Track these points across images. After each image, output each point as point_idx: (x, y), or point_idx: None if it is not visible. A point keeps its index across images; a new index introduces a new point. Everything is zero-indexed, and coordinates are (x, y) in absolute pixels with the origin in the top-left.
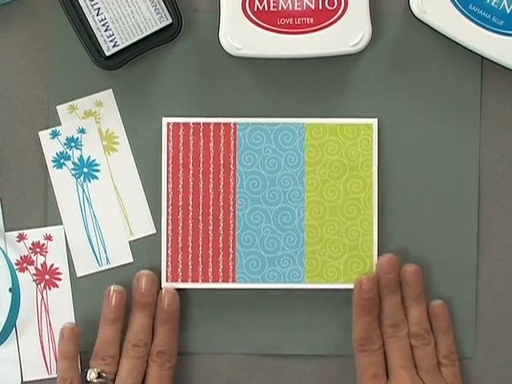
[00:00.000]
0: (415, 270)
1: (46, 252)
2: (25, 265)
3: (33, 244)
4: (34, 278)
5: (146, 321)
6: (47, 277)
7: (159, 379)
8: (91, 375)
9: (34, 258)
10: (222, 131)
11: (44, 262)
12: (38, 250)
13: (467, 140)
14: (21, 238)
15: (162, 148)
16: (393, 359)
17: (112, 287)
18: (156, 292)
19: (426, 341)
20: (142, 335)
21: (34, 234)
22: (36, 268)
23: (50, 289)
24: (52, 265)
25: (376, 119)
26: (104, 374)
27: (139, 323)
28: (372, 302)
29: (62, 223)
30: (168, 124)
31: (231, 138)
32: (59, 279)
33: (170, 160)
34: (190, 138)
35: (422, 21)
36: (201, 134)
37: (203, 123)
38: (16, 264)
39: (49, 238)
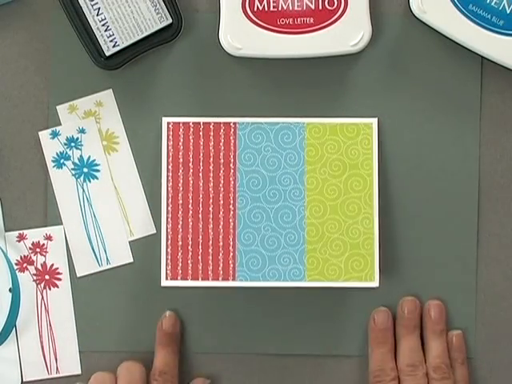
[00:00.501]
0: (440, 306)
1: (46, 252)
2: (25, 265)
3: (33, 244)
4: (34, 278)
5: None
6: (47, 277)
7: None
8: None
9: (33, 257)
10: (221, 131)
11: (44, 262)
12: (37, 249)
13: (467, 140)
14: (21, 237)
15: (161, 147)
16: None
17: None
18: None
19: (447, 375)
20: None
21: (34, 234)
22: (36, 268)
23: (49, 289)
24: (52, 265)
25: (376, 119)
26: None
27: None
28: (386, 334)
29: (62, 223)
30: (168, 124)
31: (231, 138)
32: (59, 279)
33: (170, 159)
34: (190, 137)
35: (422, 21)
36: (201, 133)
37: (203, 123)
38: (16, 264)
39: (49, 238)
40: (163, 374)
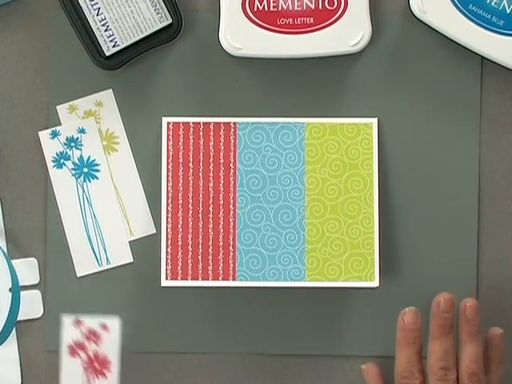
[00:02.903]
0: (476, 305)
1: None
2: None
3: (88, 331)
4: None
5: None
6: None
7: None
8: None
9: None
10: (222, 130)
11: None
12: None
13: (467, 140)
14: (78, 323)
15: (161, 147)
16: None
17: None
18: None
19: (482, 382)
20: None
21: (91, 321)
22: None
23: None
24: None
25: (376, 119)
26: None
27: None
28: (415, 335)
29: (62, 223)
30: (168, 123)
31: (231, 138)
32: (108, 369)
33: (170, 159)
34: (190, 137)
35: (422, 21)
36: (201, 133)
37: (203, 123)
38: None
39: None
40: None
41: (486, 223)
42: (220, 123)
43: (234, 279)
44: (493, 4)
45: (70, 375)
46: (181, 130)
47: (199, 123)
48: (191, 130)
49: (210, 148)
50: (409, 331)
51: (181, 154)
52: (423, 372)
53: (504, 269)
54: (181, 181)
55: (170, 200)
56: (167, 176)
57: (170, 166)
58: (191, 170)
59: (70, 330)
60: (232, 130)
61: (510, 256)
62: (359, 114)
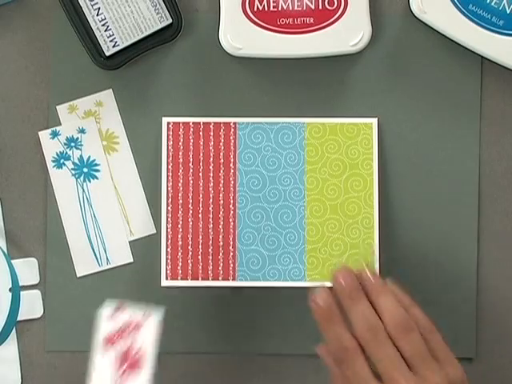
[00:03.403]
0: (371, 268)
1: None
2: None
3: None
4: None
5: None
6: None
7: None
8: None
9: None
10: (221, 130)
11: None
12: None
13: (467, 140)
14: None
15: (161, 147)
16: (382, 367)
17: None
18: None
19: (410, 326)
20: None
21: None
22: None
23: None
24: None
25: (376, 119)
26: None
27: None
28: (332, 310)
29: (61, 223)
30: (168, 124)
31: (231, 138)
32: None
33: (170, 159)
34: (190, 137)
35: (422, 21)
36: (201, 133)
37: (203, 123)
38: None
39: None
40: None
41: (486, 223)
42: (220, 123)
43: (234, 279)
44: (493, 4)
45: (103, 368)
46: (181, 129)
47: (199, 123)
48: (191, 129)
49: (210, 148)
50: (325, 310)
51: (181, 154)
52: (355, 340)
53: (504, 269)
54: (181, 181)
55: (170, 200)
56: (167, 176)
57: (169, 166)
58: (191, 170)
59: (106, 322)
60: (232, 130)
61: (510, 256)
62: (359, 114)
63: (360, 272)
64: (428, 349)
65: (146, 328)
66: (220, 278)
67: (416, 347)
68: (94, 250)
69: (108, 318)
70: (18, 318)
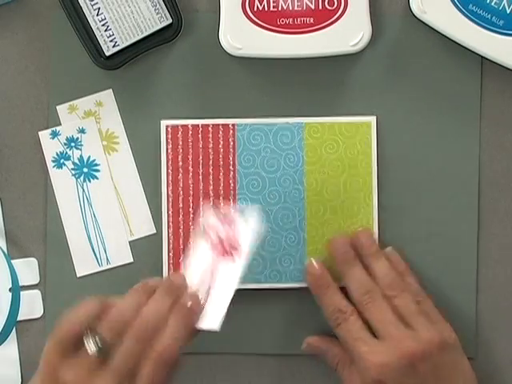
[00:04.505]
0: (367, 230)
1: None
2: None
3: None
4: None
5: None
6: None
7: None
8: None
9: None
10: (220, 132)
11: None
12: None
13: (467, 140)
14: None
15: (161, 151)
16: (378, 324)
17: None
18: None
19: (402, 286)
20: None
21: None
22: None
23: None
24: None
25: (374, 117)
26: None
27: None
28: (325, 277)
29: (61, 223)
30: (167, 127)
31: (230, 139)
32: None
33: (170, 163)
34: (189, 140)
35: (422, 21)
36: (199, 135)
37: (202, 125)
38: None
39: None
40: None
41: (486, 223)
42: (219, 125)
43: None
44: (493, 4)
45: (201, 253)
46: (179, 132)
47: (198, 125)
48: (190, 132)
49: (209, 150)
50: (318, 277)
51: (180, 157)
52: (351, 304)
53: (504, 269)
54: (181, 184)
55: (170, 204)
56: (167, 180)
57: (169, 170)
58: (191, 174)
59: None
60: (231, 131)
61: (510, 256)
62: (359, 114)
63: (357, 237)
64: (421, 310)
65: (247, 222)
66: None
67: (409, 305)
68: (93, 250)
69: (212, 211)
70: (18, 318)
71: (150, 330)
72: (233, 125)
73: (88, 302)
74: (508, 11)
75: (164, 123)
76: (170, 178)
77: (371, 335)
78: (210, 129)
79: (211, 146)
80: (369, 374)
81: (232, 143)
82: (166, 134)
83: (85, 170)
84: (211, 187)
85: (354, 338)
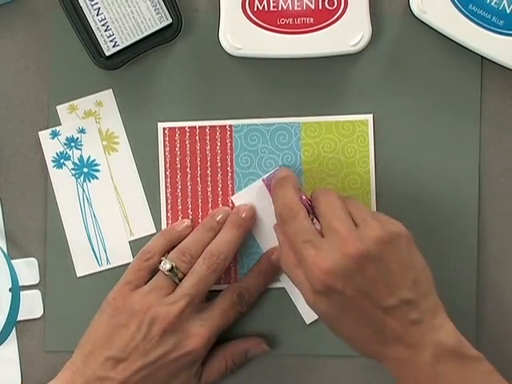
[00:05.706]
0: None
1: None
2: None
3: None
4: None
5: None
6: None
7: None
8: (165, 265)
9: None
10: (217, 134)
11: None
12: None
13: (467, 140)
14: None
15: (158, 154)
16: (325, 220)
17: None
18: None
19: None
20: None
21: None
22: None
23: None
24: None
25: (371, 115)
26: (176, 270)
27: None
28: (288, 179)
29: (62, 223)
30: (164, 129)
31: (227, 141)
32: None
33: (168, 165)
34: (187, 142)
35: (422, 21)
36: (197, 137)
37: (199, 127)
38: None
39: None
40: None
41: (486, 223)
42: (216, 126)
43: (235, 282)
44: (493, 4)
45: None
46: (177, 135)
47: (195, 127)
48: (187, 134)
49: (207, 152)
50: (282, 178)
51: (178, 159)
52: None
53: (504, 269)
54: (179, 186)
55: (169, 207)
56: (165, 183)
57: (167, 172)
58: (189, 175)
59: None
60: (228, 132)
61: (510, 256)
62: (359, 114)
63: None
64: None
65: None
66: (221, 282)
67: (362, 209)
68: (93, 250)
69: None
70: (18, 318)
71: (221, 258)
72: (230, 126)
73: (157, 236)
74: (508, 11)
75: (161, 125)
76: (169, 179)
77: (317, 233)
78: (207, 130)
79: (208, 147)
80: (317, 279)
81: (229, 144)
82: (164, 137)
83: (85, 169)
84: (209, 188)
85: (302, 240)
